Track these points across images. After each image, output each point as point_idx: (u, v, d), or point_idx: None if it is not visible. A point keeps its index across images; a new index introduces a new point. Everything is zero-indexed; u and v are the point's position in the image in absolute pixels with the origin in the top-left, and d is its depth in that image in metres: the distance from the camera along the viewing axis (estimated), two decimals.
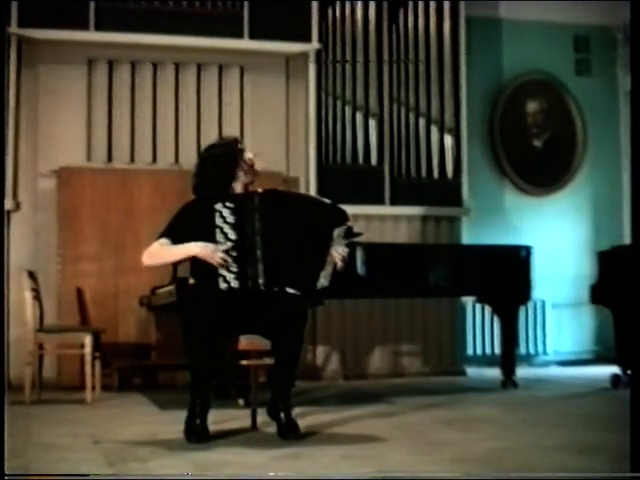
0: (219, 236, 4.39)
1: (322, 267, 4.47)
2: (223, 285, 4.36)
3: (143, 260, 4.54)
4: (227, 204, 4.41)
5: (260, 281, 4.39)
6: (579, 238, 9.24)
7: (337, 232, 4.55)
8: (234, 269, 4.37)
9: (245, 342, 4.55)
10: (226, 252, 4.36)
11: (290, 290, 4.41)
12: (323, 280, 4.47)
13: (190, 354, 4.32)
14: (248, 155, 4.63)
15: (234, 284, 4.37)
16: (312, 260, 4.47)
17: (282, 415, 4.37)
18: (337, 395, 6.70)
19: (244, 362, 4.68)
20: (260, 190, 4.55)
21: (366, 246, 6.27)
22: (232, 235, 4.40)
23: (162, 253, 4.51)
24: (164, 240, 4.49)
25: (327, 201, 4.79)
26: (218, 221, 4.41)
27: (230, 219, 4.41)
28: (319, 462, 3.74)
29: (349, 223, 4.64)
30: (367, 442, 4.28)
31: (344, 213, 4.64)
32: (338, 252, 4.51)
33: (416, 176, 8.32)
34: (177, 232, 4.49)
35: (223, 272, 4.36)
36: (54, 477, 3.51)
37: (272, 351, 4.46)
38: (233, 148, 4.64)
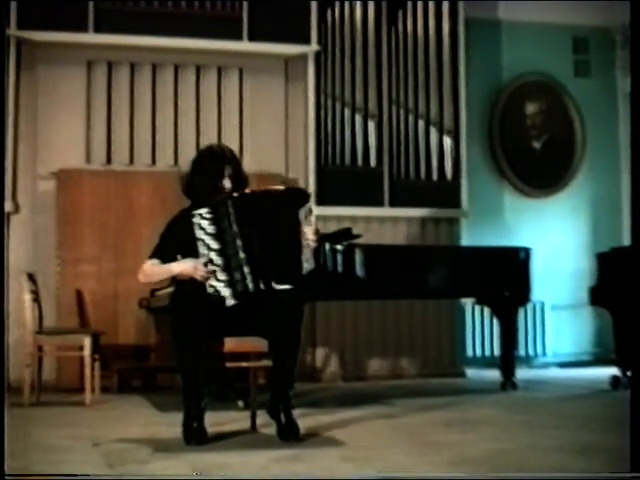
0: (202, 248, 4.41)
1: (300, 252, 4.47)
2: (214, 295, 4.39)
3: (139, 278, 4.65)
4: (204, 215, 4.43)
5: (249, 284, 4.40)
6: (578, 239, 9.24)
7: (302, 213, 4.54)
8: (223, 277, 4.39)
9: (244, 344, 4.55)
10: (209, 263, 4.38)
11: (280, 287, 4.41)
12: (306, 264, 4.47)
13: (179, 358, 4.34)
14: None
15: (224, 292, 4.38)
16: (289, 249, 4.48)
17: (282, 416, 4.37)
18: (336, 397, 6.69)
19: (243, 364, 4.68)
20: (235, 194, 4.55)
21: (365, 248, 6.26)
22: (214, 245, 4.42)
23: (151, 273, 4.60)
24: (155, 260, 4.56)
25: (283, 187, 4.80)
26: (198, 234, 4.43)
27: (210, 229, 4.43)
28: (318, 464, 3.74)
29: (309, 202, 4.62)
30: (366, 444, 4.28)
31: (303, 192, 4.68)
32: (308, 231, 4.51)
33: (415, 178, 8.32)
34: (164, 252, 4.55)
35: (213, 282, 4.38)
36: (54, 477, 3.51)
37: (270, 351, 4.47)
38: (222, 160, 4.64)
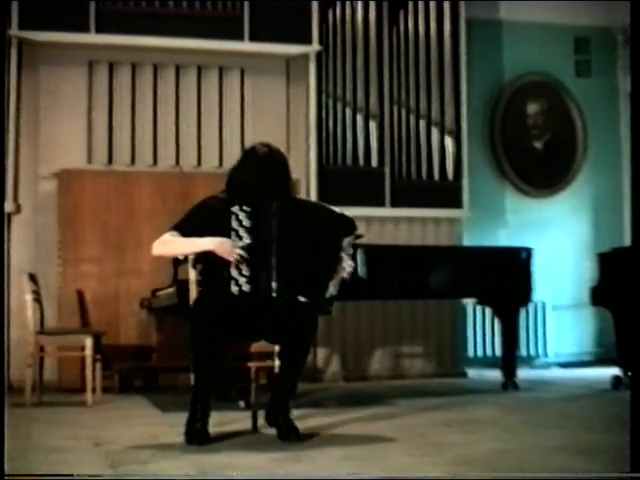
0: (234, 238, 4.37)
1: (332, 276, 4.46)
2: (234, 288, 4.35)
3: (153, 249, 4.48)
4: (244, 207, 4.39)
5: (273, 287, 4.37)
6: (579, 240, 9.24)
7: (346, 241, 4.55)
8: (247, 273, 4.35)
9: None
10: (244, 249, 4.34)
11: (301, 298, 4.39)
12: (332, 289, 4.46)
13: (196, 359, 4.30)
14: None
15: (246, 288, 4.34)
16: (324, 269, 4.46)
17: (280, 419, 4.37)
18: (338, 397, 6.69)
19: (245, 364, 4.68)
20: (286, 199, 4.52)
21: (367, 248, 6.27)
22: (247, 239, 4.37)
23: (175, 244, 4.45)
24: (175, 233, 4.46)
25: (336, 210, 4.77)
26: (234, 224, 4.38)
27: (246, 223, 4.39)
28: (320, 464, 3.74)
29: (357, 232, 4.64)
30: (368, 444, 4.28)
31: (353, 222, 4.65)
32: (346, 263, 4.50)
33: (416, 178, 8.32)
34: (189, 227, 4.45)
35: (235, 275, 4.35)
36: (55, 477, 3.51)
37: (279, 357, 4.45)
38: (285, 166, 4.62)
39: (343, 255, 4.51)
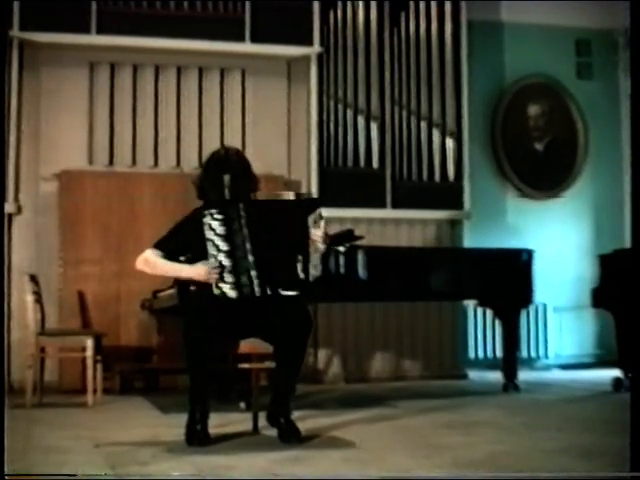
0: (211, 249, 4.42)
1: (308, 259, 4.47)
2: (220, 294, 4.39)
3: (137, 264, 4.63)
4: (215, 216, 4.44)
5: (255, 288, 4.40)
6: (581, 241, 9.24)
7: (311, 218, 4.55)
8: (230, 279, 4.39)
9: (246, 345, 4.56)
10: (219, 265, 4.38)
11: (286, 292, 4.41)
12: (314, 271, 4.48)
13: (189, 359, 4.33)
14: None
15: (231, 294, 4.39)
16: (297, 256, 4.48)
17: (282, 420, 4.38)
18: (338, 398, 6.69)
19: (245, 365, 4.68)
20: (249, 197, 4.57)
21: (367, 249, 6.26)
22: (224, 246, 4.42)
23: (157, 266, 4.58)
24: (157, 252, 4.55)
25: (292, 195, 4.83)
26: (208, 234, 4.43)
27: (220, 230, 4.44)
28: (320, 465, 3.74)
29: (321, 208, 4.63)
30: (368, 445, 4.28)
31: (314, 199, 4.71)
32: (317, 236, 4.51)
33: (417, 179, 8.32)
34: (170, 245, 4.57)
35: (219, 284, 4.39)
36: (55, 477, 3.51)
37: (274, 357, 4.47)
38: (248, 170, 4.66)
39: (312, 232, 4.50)
